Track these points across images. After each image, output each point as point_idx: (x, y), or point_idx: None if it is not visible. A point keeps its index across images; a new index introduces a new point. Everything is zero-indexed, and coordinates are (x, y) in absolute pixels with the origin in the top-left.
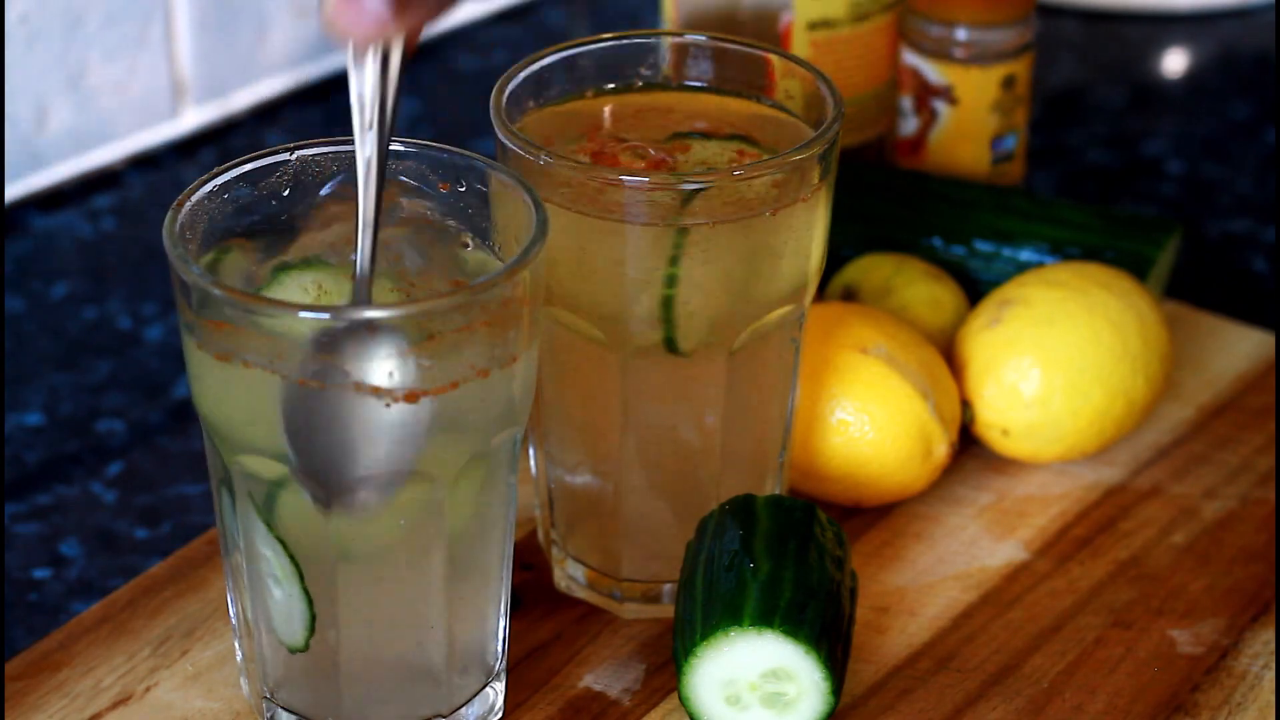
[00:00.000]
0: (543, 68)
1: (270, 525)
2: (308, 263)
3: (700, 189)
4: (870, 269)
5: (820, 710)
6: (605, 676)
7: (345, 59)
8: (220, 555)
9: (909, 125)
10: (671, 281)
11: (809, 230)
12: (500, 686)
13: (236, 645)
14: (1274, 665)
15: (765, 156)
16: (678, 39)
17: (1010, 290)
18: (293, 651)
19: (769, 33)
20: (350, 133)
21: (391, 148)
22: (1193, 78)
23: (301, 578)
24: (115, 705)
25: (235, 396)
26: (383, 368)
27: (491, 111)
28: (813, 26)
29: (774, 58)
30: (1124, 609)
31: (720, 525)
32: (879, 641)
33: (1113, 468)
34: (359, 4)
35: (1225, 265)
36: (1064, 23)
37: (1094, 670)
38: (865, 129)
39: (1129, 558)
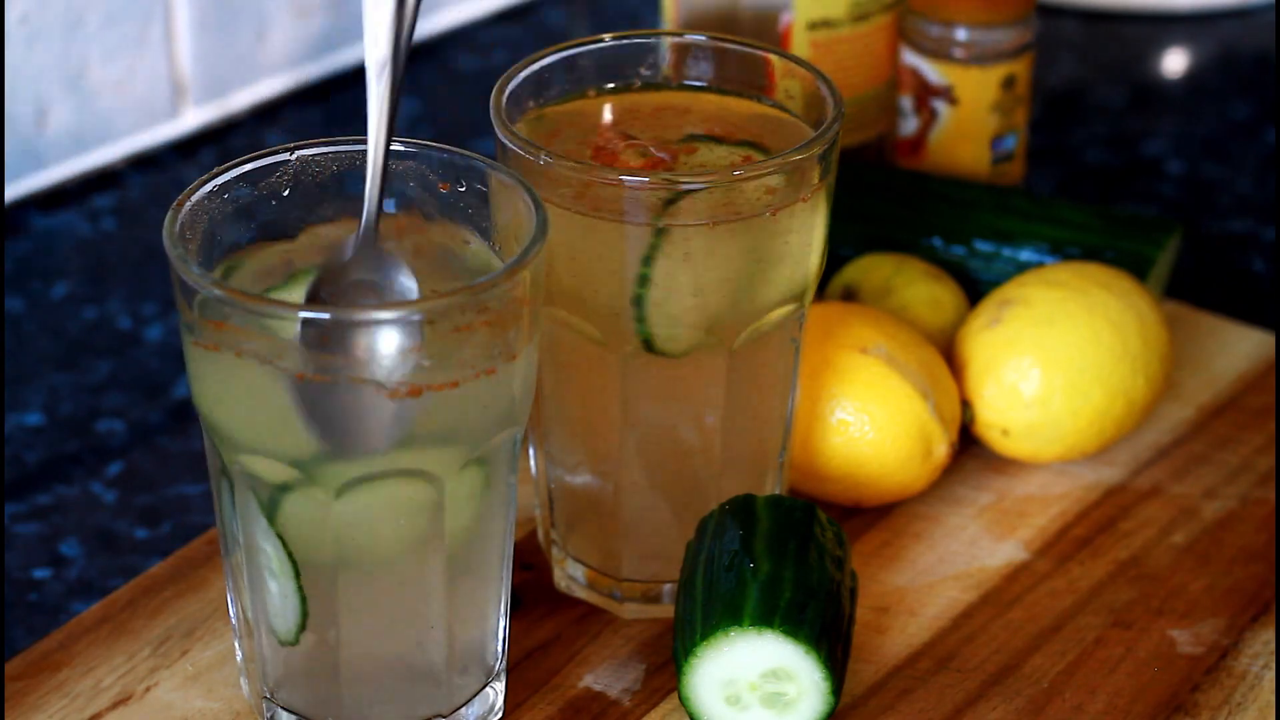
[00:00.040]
0: (543, 68)
1: (271, 520)
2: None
3: (691, 190)
4: (870, 269)
5: (820, 710)
6: (605, 676)
7: (345, 58)
8: (220, 555)
9: (909, 125)
10: (669, 281)
11: (809, 230)
12: (500, 686)
13: (236, 645)
14: (1274, 665)
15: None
16: (678, 39)
17: (1010, 290)
18: (283, 644)
19: (769, 33)
20: (350, 133)
21: (391, 148)
22: (1193, 78)
23: (297, 575)
24: (115, 705)
25: (235, 396)
26: (383, 367)
27: (491, 111)
28: (813, 26)
29: (774, 58)
30: (1124, 609)
31: (720, 525)
32: (879, 641)
33: (1113, 468)
34: None
35: (1225, 265)
36: (1064, 23)
37: (1094, 670)
38: (865, 129)
39: (1129, 558)
